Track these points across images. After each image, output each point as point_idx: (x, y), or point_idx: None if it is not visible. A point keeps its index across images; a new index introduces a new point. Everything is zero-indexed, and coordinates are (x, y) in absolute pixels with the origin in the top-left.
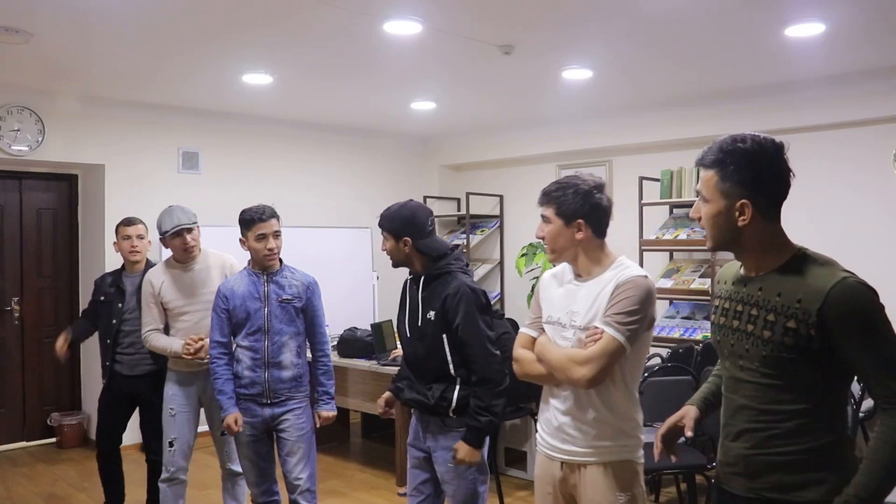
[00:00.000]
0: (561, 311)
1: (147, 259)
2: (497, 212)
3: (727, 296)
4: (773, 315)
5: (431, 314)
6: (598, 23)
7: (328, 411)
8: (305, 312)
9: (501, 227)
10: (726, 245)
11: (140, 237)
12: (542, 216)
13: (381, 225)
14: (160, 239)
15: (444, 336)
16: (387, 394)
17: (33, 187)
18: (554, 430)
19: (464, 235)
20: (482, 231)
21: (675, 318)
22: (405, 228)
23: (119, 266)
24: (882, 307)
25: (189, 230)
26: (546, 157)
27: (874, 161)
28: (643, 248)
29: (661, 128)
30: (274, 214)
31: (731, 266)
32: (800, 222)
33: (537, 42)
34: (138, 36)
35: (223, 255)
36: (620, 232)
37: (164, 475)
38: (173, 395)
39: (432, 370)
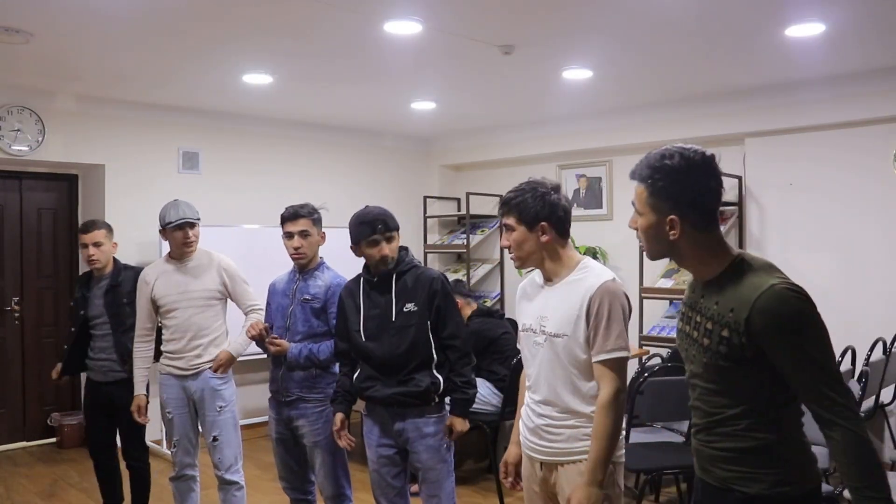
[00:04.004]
0: (532, 317)
1: (114, 259)
2: (497, 212)
3: (687, 302)
4: (711, 324)
5: (411, 305)
6: (598, 23)
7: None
8: (327, 314)
9: (501, 228)
10: (663, 255)
11: (97, 244)
12: (505, 225)
13: (392, 226)
14: (160, 231)
15: (429, 323)
16: (339, 416)
17: (33, 187)
18: (532, 430)
19: (464, 235)
20: (482, 231)
21: (675, 318)
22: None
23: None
24: (812, 314)
25: (192, 225)
26: (546, 157)
27: (874, 161)
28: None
29: (661, 128)
30: (301, 214)
31: None
32: (799, 223)
33: (537, 42)
34: (138, 36)
35: (220, 255)
36: (621, 232)
37: (172, 473)
38: (168, 399)
39: (413, 361)
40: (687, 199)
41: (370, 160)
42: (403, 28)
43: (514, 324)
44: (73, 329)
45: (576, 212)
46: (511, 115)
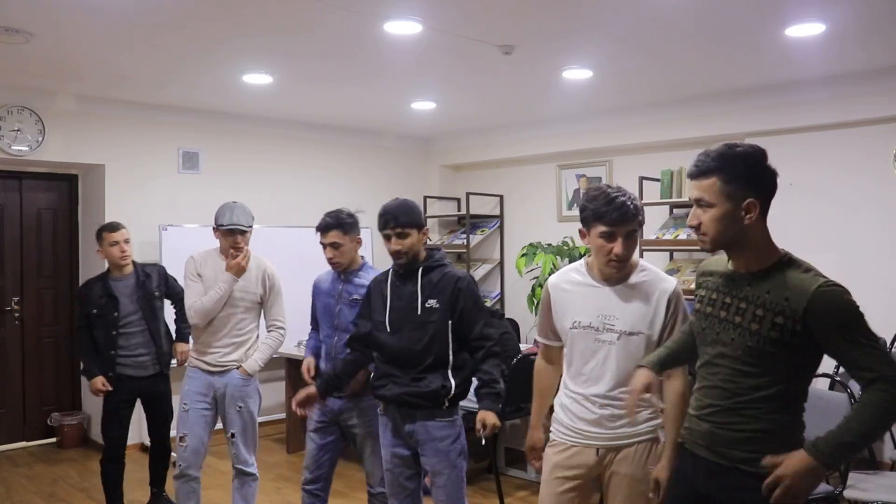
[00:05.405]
0: (591, 315)
1: (133, 260)
2: (497, 212)
3: (715, 287)
4: (762, 310)
5: (433, 302)
6: (599, 23)
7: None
8: None
9: (501, 227)
10: (728, 243)
11: (127, 241)
12: (629, 233)
13: (403, 222)
14: (213, 228)
15: (450, 322)
16: (311, 390)
17: (33, 187)
18: (592, 422)
19: (464, 235)
20: (482, 231)
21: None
22: (423, 218)
23: (103, 272)
24: (858, 305)
25: (242, 232)
26: (546, 157)
27: (874, 161)
28: (643, 248)
29: (661, 128)
30: (331, 226)
31: (717, 261)
32: (799, 223)
33: (537, 42)
34: (138, 36)
35: (264, 259)
36: None
37: (176, 471)
38: (188, 392)
39: (428, 359)
40: (762, 185)
41: (370, 160)
42: (403, 28)
43: (514, 324)
44: (113, 332)
45: (576, 212)
46: (511, 115)
